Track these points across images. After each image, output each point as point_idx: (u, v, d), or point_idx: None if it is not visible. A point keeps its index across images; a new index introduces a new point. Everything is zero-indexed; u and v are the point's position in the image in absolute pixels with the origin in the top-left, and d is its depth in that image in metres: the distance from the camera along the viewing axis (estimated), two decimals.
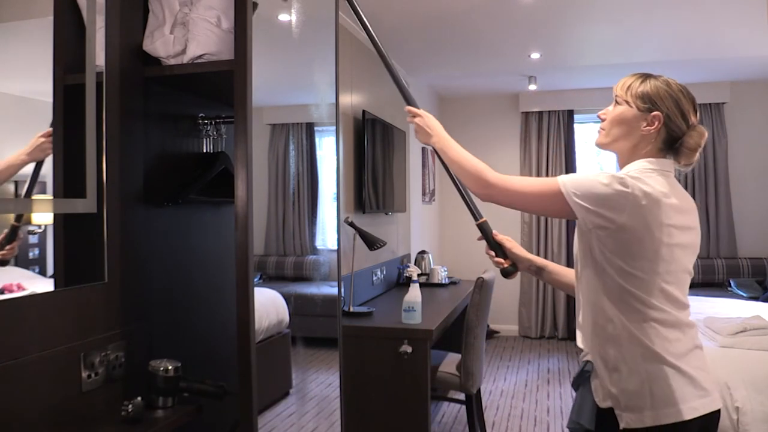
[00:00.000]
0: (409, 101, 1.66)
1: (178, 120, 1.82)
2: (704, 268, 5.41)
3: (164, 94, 1.74)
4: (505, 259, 1.57)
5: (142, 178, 1.64)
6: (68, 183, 1.38)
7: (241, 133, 1.48)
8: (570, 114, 5.94)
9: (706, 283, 5.38)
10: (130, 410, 1.34)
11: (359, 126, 3.64)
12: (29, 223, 1.33)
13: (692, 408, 1.26)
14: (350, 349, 2.69)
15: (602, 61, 4.68)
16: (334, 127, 2.15)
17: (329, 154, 2.91)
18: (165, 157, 1.75)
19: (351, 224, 3.18)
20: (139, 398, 1.37)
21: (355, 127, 3.61)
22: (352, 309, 3.09)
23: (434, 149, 1.58)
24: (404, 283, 4.13)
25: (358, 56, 3.65)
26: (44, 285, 1.33)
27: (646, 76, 1.39)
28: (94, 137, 1.42)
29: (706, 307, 3.82)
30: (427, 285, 4.17)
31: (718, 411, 1.33)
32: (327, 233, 2.97)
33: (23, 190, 1.31)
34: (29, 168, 1.32)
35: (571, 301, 5.69)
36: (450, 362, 3.06)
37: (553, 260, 1.67)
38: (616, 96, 1.42)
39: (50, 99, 1.35)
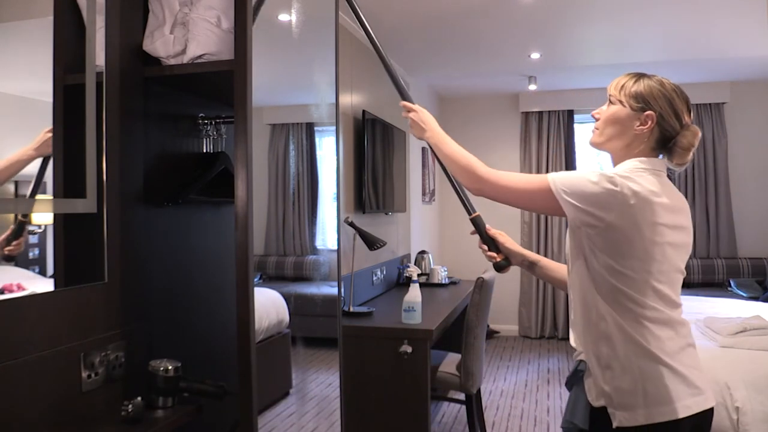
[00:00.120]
0: (404, 96, 1.68)
1: (178, 120, 1.82)
2: (704, 268, 5.41)
3: (164, 94, 1.74)
4: (498, 253, 1.58)
5: (142, 178, 1.64)
6: (68, 183, 1.38)
7: (241, 133, 1.48)
8: (570, 114, 5.94)
9: (706, 283, 5.38)
10: (130, 410, 1.34)
11: (359, 126, 3.64)
12: (29, 223, 1.33)
13: (685, 406, 1.26)
14: (350, 349, 2.69)
15: (602, 61, 4.68)
16: (334, 127, 2.15)
17: (329, 154, 2.91)
18: (165, 157, 1.75)
19: (351, 224, 3.18)
20: (139, 398, 1.37)
21: (355, 127, 3.61)
22: (352, 309, 3.09)
23: (428, 144, 1.60)
24: (404, 283, 4.13)
25: (358, 56, 3.65)
26: (44, 285, 1.33)
27: (639, 76, 1.40)
28: (94, 137, 1.42)
29: (706, 307, 3.82)
30: (427, 285, 4.17)
31: (712, 409, 1.33)
32: (327, 233, 2.97)
33: (27, 190, 1.31)
34: (29, 169, 1.32)
35: None
36: (450, 362, 3.06)
37: (552, 259, 1.68)
38: (609, 95, 1.42)
39: (50, 99, 1.35)
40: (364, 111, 3.63)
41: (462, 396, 3.14)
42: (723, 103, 5.55)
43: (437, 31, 3.97)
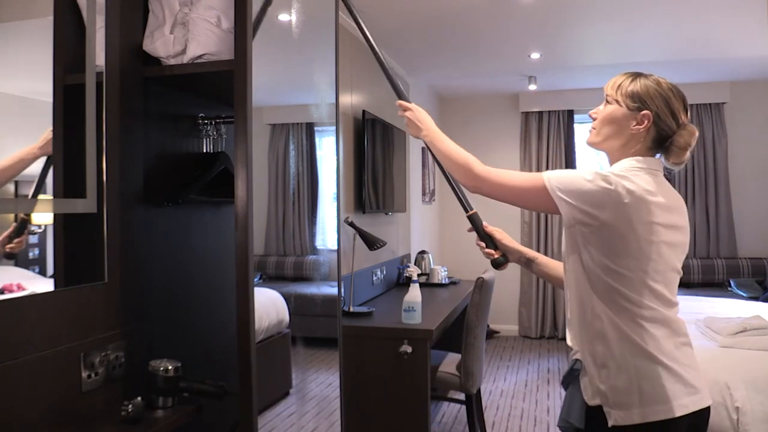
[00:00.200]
0: (400, 95, 1.70)
1: (178, 120, 1.82)
2: (704, 268, 5.41)
3: (164, 94, 1.73)
4: (495, 250, 1.59)
5: (142, 178, 1.64)
6: (68, 183, 1.38)
7: (241, 133, 1.48)
8: (570, 114, 5.94)
9: (706, 283, 5.38)
10: (130, 410, 1.34)
11: (359, 126, 3.64)
12: (30, 222, 1.33)
13: (682, 405, 1.26)
14: (350, 349, 2.69)
15: (602, 61, 4.68)
16: (334, 127, 2.15)
17: (329, 154, 2.91)
18: (165, 157, 1.75)
19: (351, 224, 3.18)
20: (139, 398, 1.37)
21: (355, 127, 3.61)
22: (352, 309, 3.09)
23: (425, 142, 1.61)
24: (404, 283, 4.13)
25: (358, 56, 3.65)
26: (44, 285, 1.33)
27: (636, 75, 1.40)
28: (94, 137, 1.41)
29: (706, 307, 3.82)
30: (427, 285, 4.17)
31: (708, 408, 1.33)
32: (327, 233, 2.97)
33: (27, 190, 1.31)
34: (29, 169, 1.32)
35: None
36: (450, 362, 3.06)
37: (553, 259, 1.68)
38: (606, 95, 1.43)
39: (50, 99, 1.35)
40: (364, 111, 3.63)
41: (462, 396, 3.14)
42: (723, 103, 5.55)
43: (437, 31, 3.97)
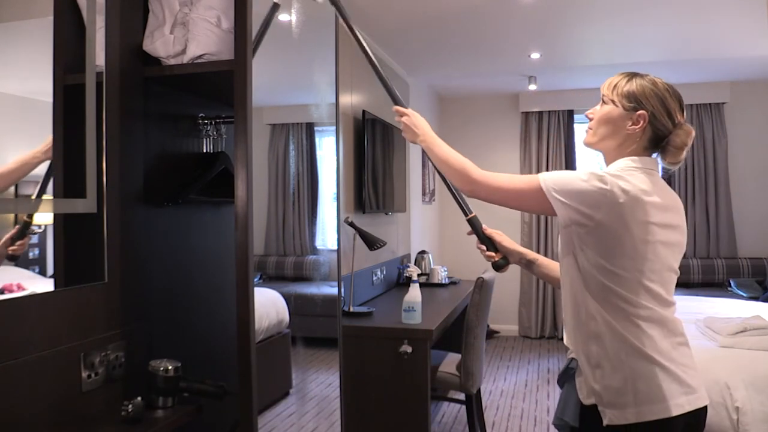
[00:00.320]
0: (396, 101, 1.71)
1: (178, 120, 1.82)
2: (704, 268, 5.40)
3: (164, 94, 1.74)
4: (496, 253, 1.59)
5: (142, 178, 1.64)
6: (68, 183, 1.38)
7: (241, 133, 1.48)
8: (570, 114, 5.94)
9: (706, 283, 5.38)
10: (130, 410, 1.34)
11: (359, 126, 3.63)
12: (33, 224, 1.33)
13: (678, 405, 1.26)
14: (350, 349, 2.69)
15: (602, 61, 4.68)
16: (334, 127, 2.15)
17: (329, 154, 2.91)
18: (165, 157, 1.75)
19: (351, 224, 3.18)
20: (139, 398, 1.37)
21: (355, 127, 3.61)
22: (352, 309, 3.09)
23: (421, 148, 1.61)
24: (404, 283, 4.13)
25: (358, 56, 3.63)
26: (44, 285, 1.33)
27: (632, 75, 1.40)
28: (94, 137, 1.41)
29: (706, 307, 3.82)
30: (427, 285, 4.17)
31: (705, 408, 1.33)
32: (327, 233, 2.97)
33: (28, 191, 1.31)
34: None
35: None
36: (450, 362, 3.06)
37: (553, 260, 1.69)
38: (602, 95, 1.43)
39: (50, 99, 1.35)
40: (364, 111, 3.63)
41: (462, 396, 3.14)
42: (723, 103, 5.55)
43: (437, 31, 3.97)
